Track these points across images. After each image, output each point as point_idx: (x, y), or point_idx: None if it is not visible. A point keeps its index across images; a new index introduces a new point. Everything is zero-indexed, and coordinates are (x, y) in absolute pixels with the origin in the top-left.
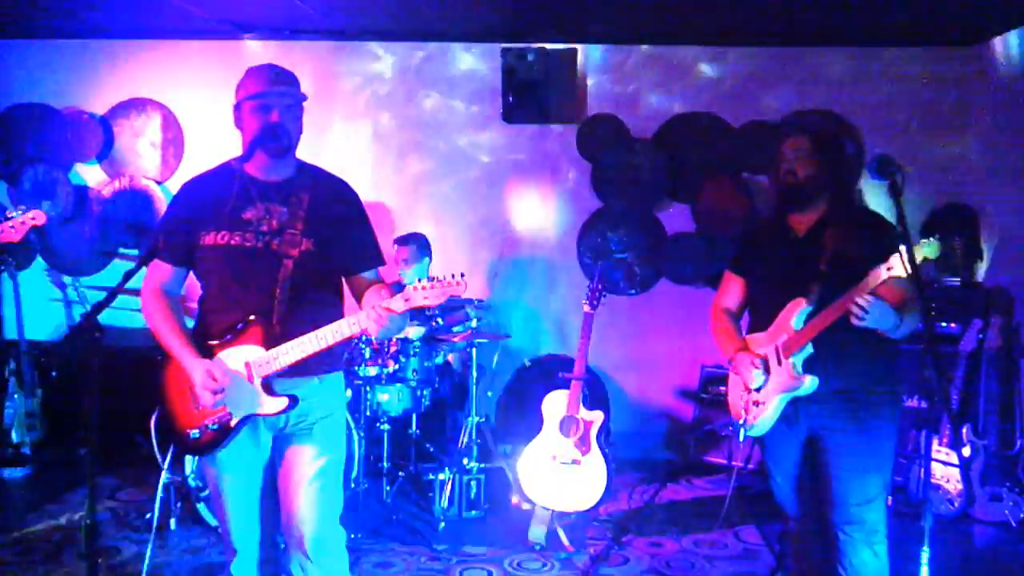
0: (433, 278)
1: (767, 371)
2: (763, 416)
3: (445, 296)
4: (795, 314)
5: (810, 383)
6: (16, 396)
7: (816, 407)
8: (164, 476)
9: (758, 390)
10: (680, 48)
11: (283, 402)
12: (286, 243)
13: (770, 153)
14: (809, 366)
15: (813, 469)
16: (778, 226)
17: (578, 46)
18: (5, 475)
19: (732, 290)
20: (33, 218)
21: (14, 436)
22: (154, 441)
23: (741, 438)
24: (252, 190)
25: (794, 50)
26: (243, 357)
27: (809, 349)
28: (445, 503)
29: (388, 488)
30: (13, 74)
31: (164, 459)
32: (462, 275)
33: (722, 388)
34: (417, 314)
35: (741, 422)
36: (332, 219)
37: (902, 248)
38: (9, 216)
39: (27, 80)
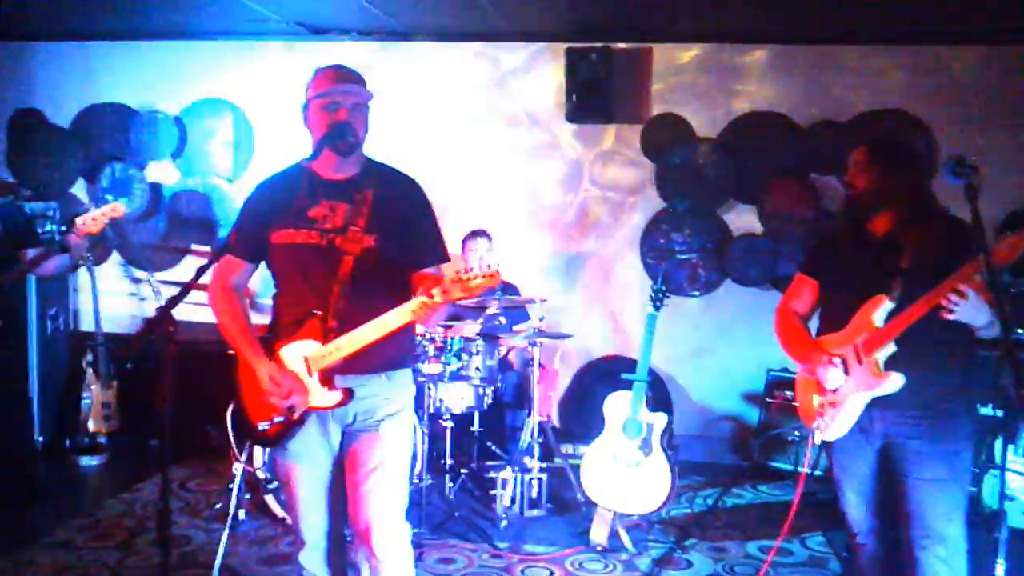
0: (468, 271)
1: (845, 371)
2: (841, 418)
3: (480, 290)
4: (876, 311)
5: (895, 380)
6: (93, 387)
7: (892, 414)
8: (237, 467)
9: (835, 391)
10: (747, 46)
11: (338, 395)
12: (349, 240)
13: (839, 153)
14: (890, 365)
15: (888, 481)
16: (855, 229)
17: (651, 45)
18: (82, 463)
19: (803, 293)
20: (113, 210)
21: (91, 425)
22: (230, 433)
23: (817, 441)
24: (318, 188)
25: (865, 48)
26: (302, 352)
27: (892, 347)
28: (507, 501)
29: (451, 485)
30: (92, 75)
31: (240, 450)
32: (497, 266)
33: (788, 392)
34: (479, 312)
35: (816, 425)
36: (396, 215)
37: (982, 254)
38: (88, 209)
39: (106, 81)
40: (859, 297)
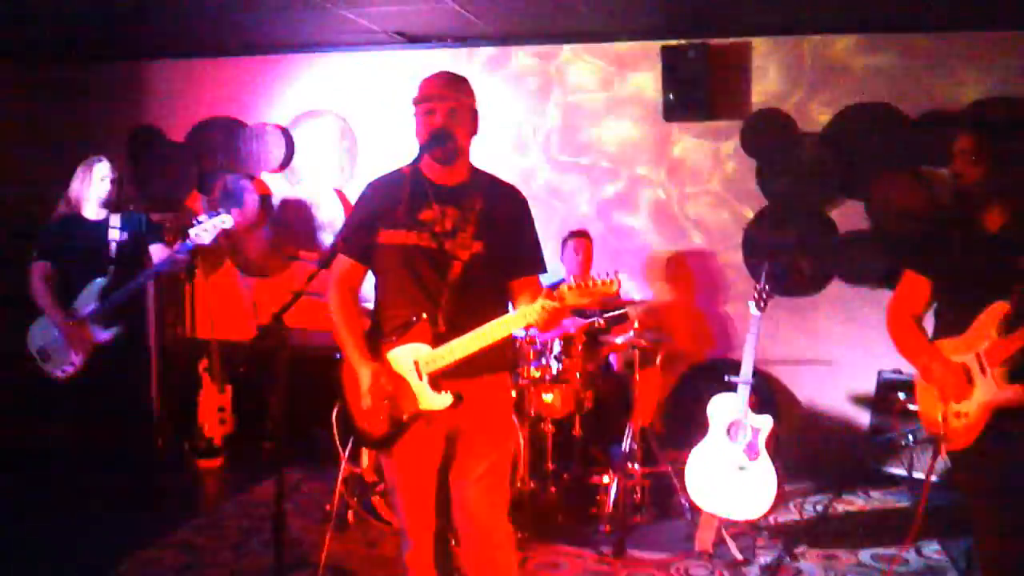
0: (588, 278)
1: (970, 381)
2: (968, 428)
3: (598, 296)
4: (998, 319)
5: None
6: (208, 391)
7: None
8: (343, 469)
9: (959, 401)
10: (849, 36)
11: (448, 399)
12: (458, 245)
13: (951, 145)
14: (1016, 375)
15: None
16: (967, 223)
17: (749, 39)
18: (199, 465)
19: (915, 291)
20: (222, 222)
21: (206, 429)
22: (335, 435)
23: (944, 453)
24: (429, 192)
25: (977, 35)
26: (412, 355)
27: (1018, 358)
28: (610, 506)
29: (553, 489)
30: (205, 90)
31: (345, 452)
32: (616, 273)
33: (901, 395)
34: (579, 314)
35: (941, 435)
36: (502, 224)
37: None
38: (200, 221)
39: (217, 95)
40: (977, 299)
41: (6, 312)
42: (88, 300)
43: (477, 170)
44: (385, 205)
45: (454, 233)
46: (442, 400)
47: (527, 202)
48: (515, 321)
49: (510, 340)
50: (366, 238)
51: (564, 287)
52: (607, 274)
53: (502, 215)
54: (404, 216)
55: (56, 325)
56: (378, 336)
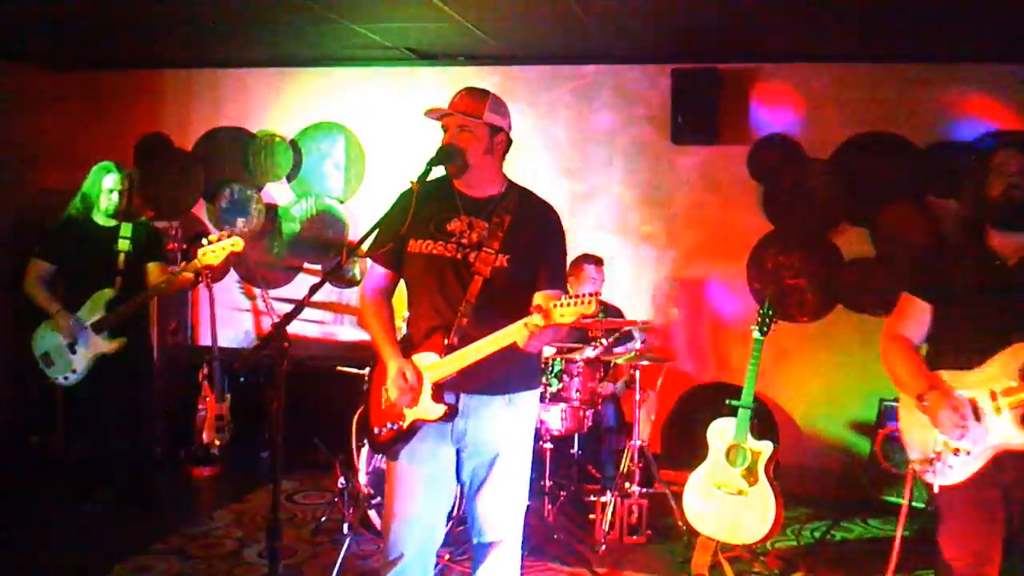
0: (571, 296)
1: (977, 418)
2: (963, 468)
3: (577, 316)
4: (1022, 360)
5: None
6: (207, 400)
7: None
8: (340, 481)
9: (960, 437)
10: (860, 65)
11: (441, 409)
12: (481, 259)
13: (959, 175)
14: None
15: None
16: (978, 250)
17: (759, 65)
18: (195, 474)
19: (915, 317)
20: (232, 245)
21: (204, 437)
22: (352, 438)
23: (936, 488)
24: (459, 203)
25: (987, 66)
26: (421, 363)
27: None
28: (606, 526)
29: (550, 507)
30: (212, 100)
31: (346, 464)
32: (593, 294)
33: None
34: (582, 335)
35: (932, 469)
36: (529, 239)
37: None
38: (211, 240)
39: (225, 106)
40: (987, 333)
41: (22, 320)
42: (94, 310)
43: (512, 185)
44: (415, 215)
45: (479, 246)
46: (436, 410)
47: (559, 220)
48: (503, 337)
49: (534, 357)
50: (393, 246)
51: (549, 304)
52: (587, 295)
53: (531, 230)
54: (433, 226)
55: (52, 316)
56: (409, 345)
